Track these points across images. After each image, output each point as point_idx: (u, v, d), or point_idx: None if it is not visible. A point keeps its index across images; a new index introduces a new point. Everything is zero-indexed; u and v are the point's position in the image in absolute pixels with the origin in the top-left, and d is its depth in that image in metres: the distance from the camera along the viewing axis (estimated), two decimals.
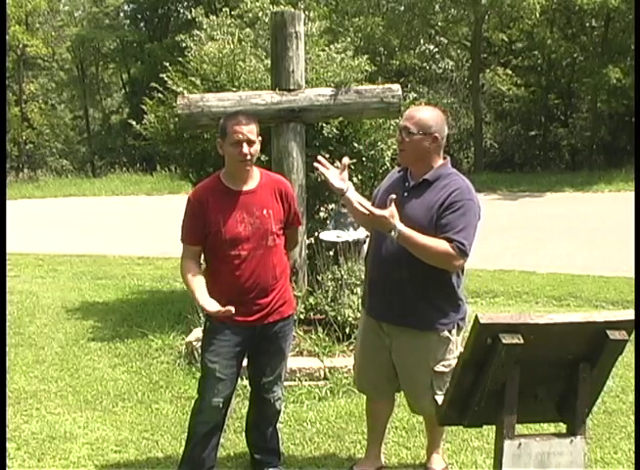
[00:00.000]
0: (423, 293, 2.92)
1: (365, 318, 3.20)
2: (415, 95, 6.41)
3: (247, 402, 3.44)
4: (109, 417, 4.09)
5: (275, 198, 3.03)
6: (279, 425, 3.35)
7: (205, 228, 2.94)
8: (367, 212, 2.77)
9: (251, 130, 2.90)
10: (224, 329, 2.99)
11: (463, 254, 2.78)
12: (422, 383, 2.99)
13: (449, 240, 2.76)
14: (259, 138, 2.97)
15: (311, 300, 4.99)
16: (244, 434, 3.43)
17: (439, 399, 2.49)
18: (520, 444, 2.29)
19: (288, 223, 3.10)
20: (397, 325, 2.99)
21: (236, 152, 2.89)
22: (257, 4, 6.51)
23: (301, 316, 4.83)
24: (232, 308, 2.80)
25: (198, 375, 4.09)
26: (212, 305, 2.83)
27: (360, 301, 3.46)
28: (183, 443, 3.26)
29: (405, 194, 2.95)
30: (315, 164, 3.01)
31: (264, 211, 2.97)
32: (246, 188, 2.99)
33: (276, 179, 3.15)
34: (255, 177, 3.03)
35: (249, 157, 2.90)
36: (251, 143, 2.90)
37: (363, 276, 4.99)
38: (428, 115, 2.94)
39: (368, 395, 3.35)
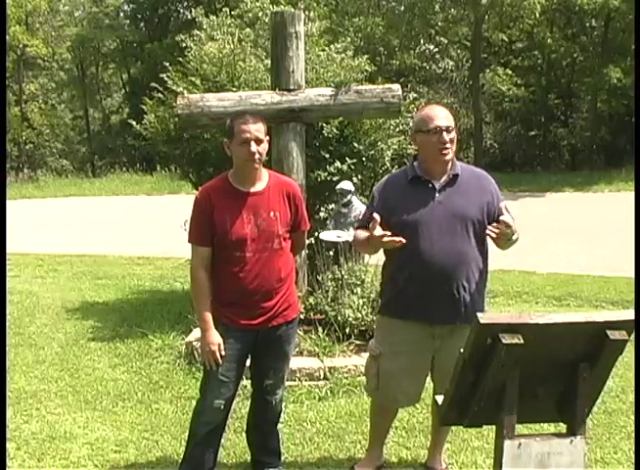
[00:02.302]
0: (481, 287, 2.99)
1: (404, 326, 2.99)
2: (415, 95, 6.38)
3: (247, 402, 3.44)
4: (109, 417, 4.08)
5: (283, 200, 2.99)
6: (279, 425, 3.34)
7: (212, 229, 2.92)
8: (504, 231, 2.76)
9: (258, 129, 2.88)
10: (227, 332, 2.96)
11: None
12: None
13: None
14: (267, 137, 2.95)
15: (311, 300, 4.99)
16: (244, 434, 3.43)
17: (440, 398, 2.48)
18: (520, 444, 2.29)
19: (295, 226, 3.06)
20: (462, 323, 2.85)
21: (244, 151, 2.86)
22: (257, 4, 6.51)
23: (301, 316, 4.83)
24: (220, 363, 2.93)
25: (198, 375, 4.11)
26: (215, 341, 2.91)
27: (384, 307, 3.15)
28: (183, 443, 3.26)
29: (437, 195, 2.95)
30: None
31: (271, 214, 2.94)
32: (253, 189, 2.96)
33: (284, 181, 3.11)
34: (264, 179, 3.00)
35: (257, 155, 2.87)
36: (258, 142, 2.87)
37: (364, 277, 5.03)
38: (447, 111, 3.00)
39: (398, 406, 3.26)
